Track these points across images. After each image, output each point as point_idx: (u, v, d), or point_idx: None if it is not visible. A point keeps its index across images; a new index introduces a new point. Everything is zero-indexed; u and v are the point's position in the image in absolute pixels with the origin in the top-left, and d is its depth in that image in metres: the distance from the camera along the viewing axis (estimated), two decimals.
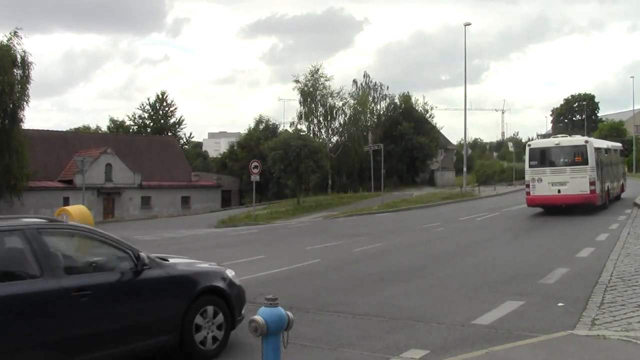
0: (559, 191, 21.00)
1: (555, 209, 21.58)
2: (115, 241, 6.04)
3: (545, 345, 6.09)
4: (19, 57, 34.98)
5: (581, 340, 6.21)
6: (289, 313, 4.18)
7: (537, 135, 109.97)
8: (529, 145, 22.85)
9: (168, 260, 6.52)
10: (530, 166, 21.78)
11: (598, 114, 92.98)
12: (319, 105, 50.92)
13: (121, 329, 5.66)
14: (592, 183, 20.76)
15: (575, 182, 20.81)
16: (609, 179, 23.88)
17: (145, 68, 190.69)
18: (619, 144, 30.48)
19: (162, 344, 6.01)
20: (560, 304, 8.10)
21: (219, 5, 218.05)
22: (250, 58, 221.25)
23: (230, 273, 7.02)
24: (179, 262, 6.77)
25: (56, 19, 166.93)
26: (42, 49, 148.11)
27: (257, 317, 4.06)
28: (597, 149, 22.37)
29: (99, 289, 5.54)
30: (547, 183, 21.16)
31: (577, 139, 22.75)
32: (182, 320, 6.10)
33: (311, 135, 48.27)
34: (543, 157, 21.70)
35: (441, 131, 63.29)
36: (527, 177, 21.92)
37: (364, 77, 58.96)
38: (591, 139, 22.94)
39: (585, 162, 20.94)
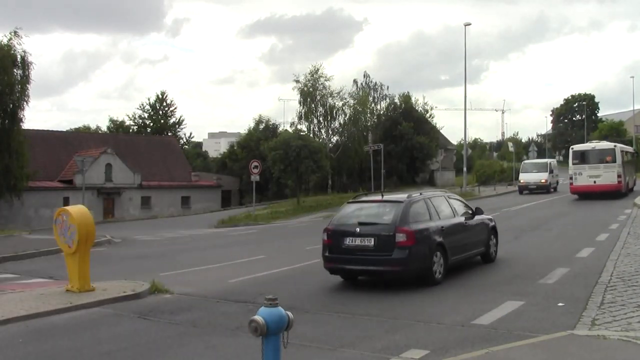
0: (594, 182, 28.07)
1: (591, 195, 28.11)
2: (465, 202, 12.42)
3: (545, 345, 6.09)
4: (19, 57, 34.84)
5: (581, 340, 6.21)
6: (289, 313, 4.17)
7: (537, 136, 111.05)
8: (572, 148, 30.42)
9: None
10: (573, 164, 29.02)
11: (598, 114, 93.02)
12: (319, 105, 50.76)
13: (472, 242, 11.50)
14: (619, 176, 27.98)
15: (606, 175, 27.96)
16: (628, 174, 30.69)
17: (144, 68, 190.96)
18: (631, 148, 38.81)
19: (480, 253, 11.96)
20: (560, 304, 8.11)
21: (218, 5, 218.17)
22: (249, 58, 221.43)
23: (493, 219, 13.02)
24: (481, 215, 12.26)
25: (56, 19, 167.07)
26: (41, 49, 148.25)
27: (257, 317, 4.04)
28: (621, 151, 29.58)
29: (466, 222, 11.41)
30: (586, 176, 28.33)
31: (608, 144, 30.68)
32: (487, 241, 12.10)
33: (311, 135, 48.18)
34: (582, 157, 28.93)
35: (441, 131, 63.27)
36: (570, 172, 29.24)
37: (364, 77, 58.89)
38: (618, 144, 30.63)
39: (614, 160, 28.16)
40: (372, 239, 9.76)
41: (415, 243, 9.64)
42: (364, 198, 11.37)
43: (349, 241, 9.97)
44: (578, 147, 30.88)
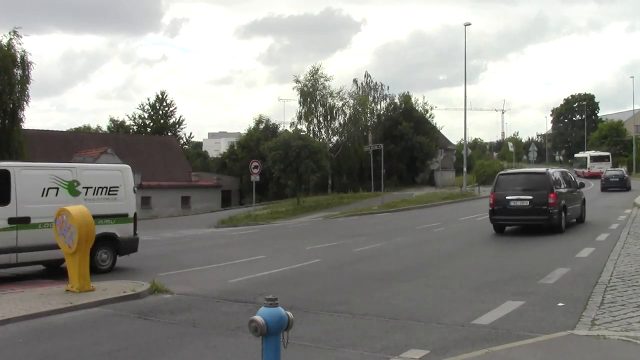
0: (599, 170, 51.86)
1: (598, 177, 45.87)
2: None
3: (545, 345, 6.09)
4: (18, 56, 34.74)
5: (581, 340, 6.21)
6: (289, 313, 4.17)
7: (537, 136, 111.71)
8: (590, 154, 60.91)
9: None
10: (591, 162, 58.52)
11: (598, 114, 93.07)
12: (319, 105, 50.84)
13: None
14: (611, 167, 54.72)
15: (605, 167, 51.84)
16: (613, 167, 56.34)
17: (143, 68, 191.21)
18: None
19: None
20: (560, 304, 8.10)
21: (215, 5, 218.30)
22: (247, 58, 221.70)
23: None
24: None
25: (54, 20, 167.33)
26: (40, 49, 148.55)
27: (257, 317, 4.04)
28: (612, 155, 61.70)
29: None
30: (596, 167, 55.48)
31: (607, 153, 61.10)
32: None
33: (311, 135, 48.21)
34: (595, 159, 59.04)
35: (441, 131, 63.30)
36: (588, 165, 58.30)
37: (365, 77, 58.86)
38: (609, 154, 61.32)
39: (609, 160, 58.58)
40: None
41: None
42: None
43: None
44: (592, 153, 61.40)
